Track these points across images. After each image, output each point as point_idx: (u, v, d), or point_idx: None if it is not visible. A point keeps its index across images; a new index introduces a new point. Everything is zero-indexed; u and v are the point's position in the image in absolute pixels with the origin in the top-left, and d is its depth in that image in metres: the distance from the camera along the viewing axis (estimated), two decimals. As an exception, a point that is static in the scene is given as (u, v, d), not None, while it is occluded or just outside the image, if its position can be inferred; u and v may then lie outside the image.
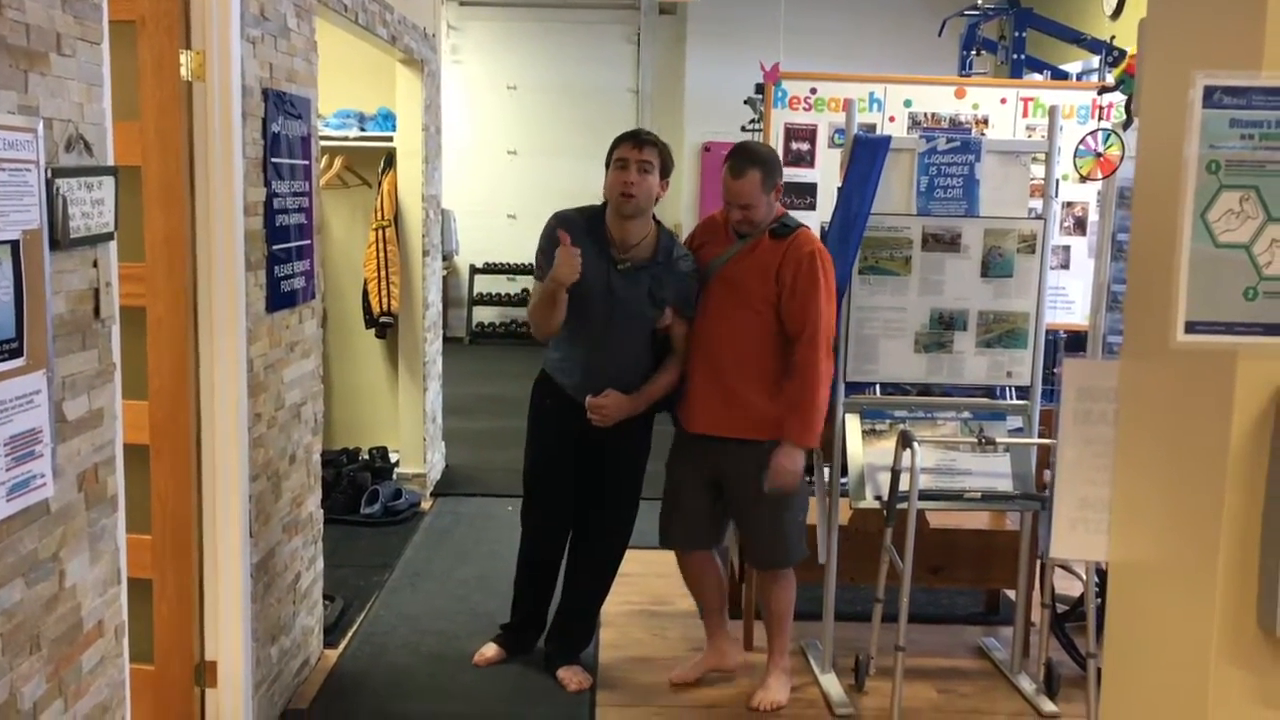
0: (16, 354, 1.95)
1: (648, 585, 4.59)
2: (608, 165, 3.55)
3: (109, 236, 2.29)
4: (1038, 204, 3.95)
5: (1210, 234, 1.35)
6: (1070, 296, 5.04)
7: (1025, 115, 5.00)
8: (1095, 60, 7.46)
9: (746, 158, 3.46)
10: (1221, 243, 1.35)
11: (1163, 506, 1.49)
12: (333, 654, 3.94)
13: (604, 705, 3.62)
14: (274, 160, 3.31)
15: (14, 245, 1.92)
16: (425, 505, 5.72)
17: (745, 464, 3.52)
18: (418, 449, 5.86)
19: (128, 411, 2.50)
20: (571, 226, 3.53)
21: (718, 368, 3.52)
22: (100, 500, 2.34)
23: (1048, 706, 3.66)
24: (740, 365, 3.50)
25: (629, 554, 3.88)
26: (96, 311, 2.27)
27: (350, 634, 4.11)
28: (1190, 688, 1.41)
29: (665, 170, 3.55)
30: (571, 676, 3.73)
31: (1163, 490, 1.49)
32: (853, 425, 3.75)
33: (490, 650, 3.89)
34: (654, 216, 3.63)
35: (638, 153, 3.49)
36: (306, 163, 3.62)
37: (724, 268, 3.54)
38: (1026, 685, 3.79)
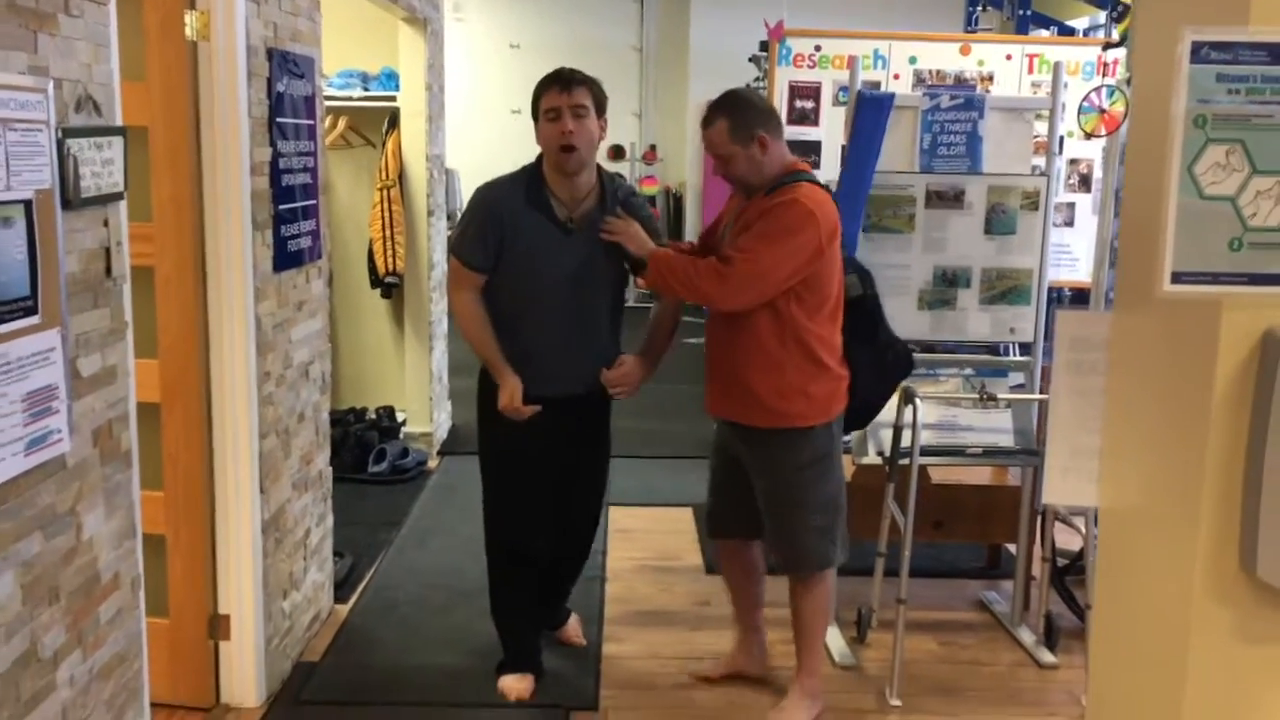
0: (31, 312, 1.99)
1: (654, 541, 4.65)
2: (535, 117, 3.16)
3: (119, 196, 2.33)
4: (1041, 161, 3.96)
5: (1197, 186, 1.38)
6: (1075, 254, 5.07)
7: (1030, 72, 5.01)
8: (1102, 15, 7.43)
9: (714, 104, 3.15)
10: (1208, 195, 1.38)
11: (1150, 452, 1.54)
12: (343, 609, 4.01)
13: (611, 657, 3.69)
14: (279, 120, 3.33)
15: (27, 204, 1.95)
16: (432, 464, 5.79)
17: (756, 454, 3.23)
18: (424, 408, 5.92)
19: (138, 370, 2.55)
20: (508, 200, 3.18)
21: (717, 347, 3.22)
22: (115, 456, 2.39)
23: (1047, 658, 3.72)
24: (736, 344, 3.13)
25: (636, 510, 3.92)
26: (108, 270, 2.31)
27: (360, 589, 4.18)
28: (1174, 625, 1.46)
29: (600, 108, 3.17)
30: (575, 630, 3.76)
31: (1150, 437, 1.54)
32: (855, 382, 3.77)
33: (525, 681, 3.45)
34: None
35: (568, 97, 3.10)
36: (311, 122, 3.64)
37: (728, 236, 3.21)
38: (1026, 637, 3.85)
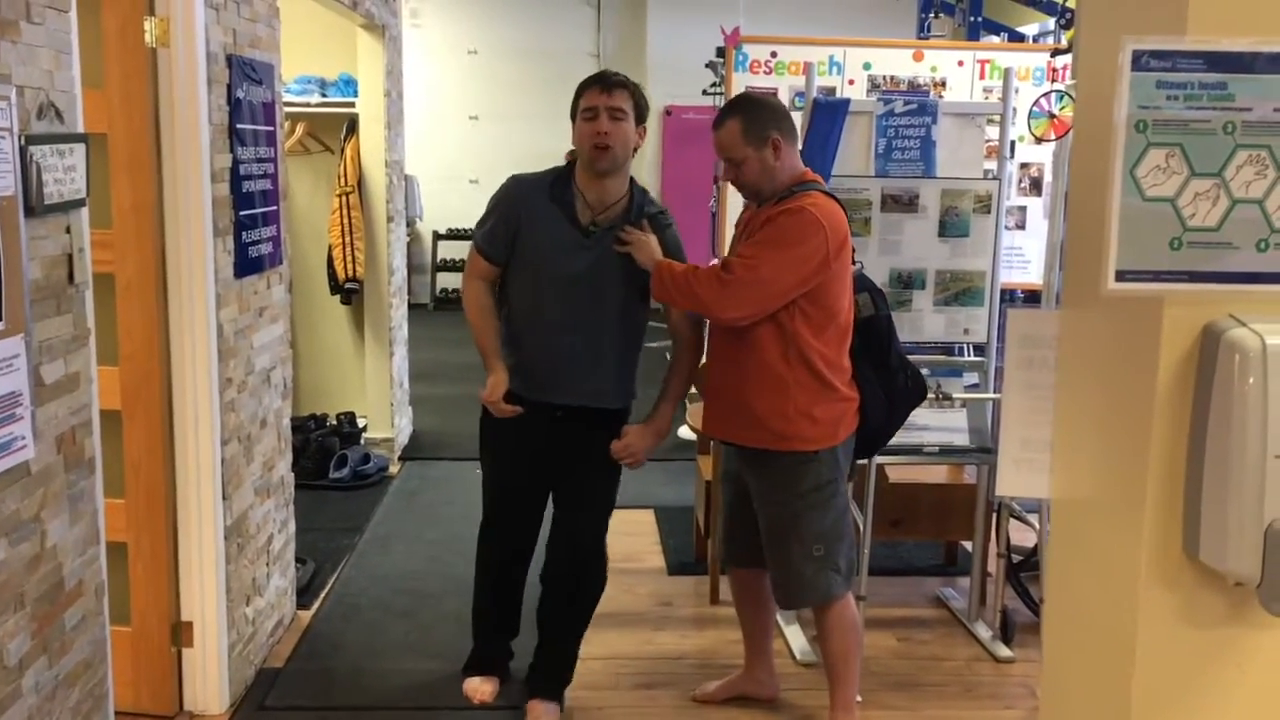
0: (-5, 318, 1.99)
1: (616, 543, 4.60)
2: (574, 117, 3.09)
3: (81, 203, 2.33)
4: (993, 165, 4.04)
5: (1139, 188, 1.44)
6: (1026, 256, 5.15)
7: (982, 77, 5.10)
8: (1051, 22, 7.56)
9: (727, 106, 3.08)
10: (1149, 196, 1.44)
11: (1098, 444, 1.60)
12: (306, 614, 4.00)
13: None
14: (239, 126, 3.33)
15: (-10, 211, 1.96)
16: (393, 469, 5.78)
17: (757, 477, 3.11)
18: (385, 414, 5.91)
19: (100, 377, 2.55)
20: (530, 193, 3.13)
21: (719, 365, 3.09)
22: (78, 463, 2.39)
23: (1003, 652, 3.79)
24: (739, 362, 2.99)
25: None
26: (71, 277, 2.31)
27: (323, 595, 4.17)
28: (1122, 610, 1.52)
29: (640, 115, 3.08)
30: (543, 712, 3.33)
31: (1097, 429, 1.60)
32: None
33: (489, 684, 3.47)
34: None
35: (607, 97, 3.02)
36: (271, 129, 3.64)
37: (734, 246, 3.11)
38: (983, 632, 3.92)
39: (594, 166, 3.05)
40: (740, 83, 4.94)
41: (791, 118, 3.11)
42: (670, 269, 3.00)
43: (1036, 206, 5.28)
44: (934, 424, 3.85)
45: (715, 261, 3.99)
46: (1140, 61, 1.40)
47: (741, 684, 3.46)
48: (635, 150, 3.10)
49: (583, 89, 3.09)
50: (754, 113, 2.99)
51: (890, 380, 3.15)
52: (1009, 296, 5.10)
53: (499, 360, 3.14)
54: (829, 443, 3.01)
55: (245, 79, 3.37)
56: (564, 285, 3.09)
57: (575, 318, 3.10)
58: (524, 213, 3.11)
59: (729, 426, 3.10)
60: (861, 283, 3.17)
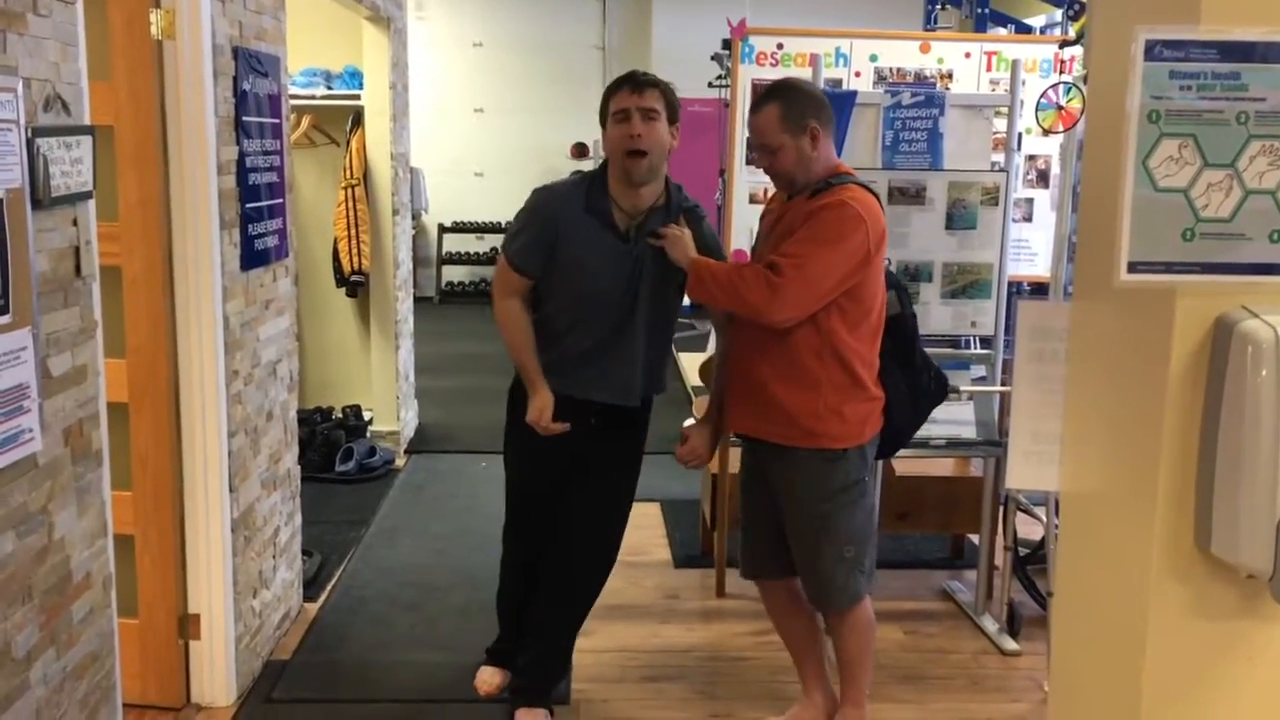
0: (3, 311, 1.99)
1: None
2: (603, 121, 2.98)
3: (88, 195, 2.33)
4: (1000, 157, 4.03)
5: (1151, 179, 1.43)
6: (1034, 249, 5.14)
7: (989, 69, 5.08)
8: (1059, 13, 7.54)
9: (766, 90, 2.93)
10: (1161, 187, 1.44)
11: (1108, 436, 1.59)
12: (312, 607, 4.00)
13: (581, 651, 3.70)
14: (245, 119, 3.32)
15: (-3, 203, 1.96)
16: (399, 462, 5.78)
17: (783, 474, 2.99)
18: (391, 407, 5.91)
19: (107, 370, 2.54)
20: (565, 205, 3.01)
21: (746, 360, 2.98)
22: (86, 455, 2.39)
23: (1010, 645, 3.78)
24: (769, 358, 2.90)
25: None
26: (78, 269, 2.31)
27: (329, 587, 4.18)
28: (1132, 603, 1.52)
29: (673, 115, 2.96)
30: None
31: (1108, 421, 1.59)
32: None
33: (497, 676, 3.45)
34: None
35: (638, 98, 2.90)
36: (277, 121, 3.64)
37: (768, 242, 3.00)
38: (990, 625, 3.92)
39: (630, 176, 2.94)
40: (746, 75, 4.93)
41: (830, 108, 3.02)
42: (710, 269, 2.91)
43: (1043, 199, 5.27)
44: (941, 417, 3.83)
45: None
46: (1153, 51, 1.39)
47: (803, 714, 3.26)
48: (670, 152, 2.98)
49: (611, 91, 2.98)
50: (794, 99, 2.88)
51: (915, 379, 3.09)
52: (1016, 289, 5.09)
53: (543, 379, 3.06)
54: (856, 441, 2.94)
55: (251, 71, 3.36)
56: (606, 294, 3.02)
57: (615, 320, 3.03)
58: (561, 226, 3.01)
59: (756, 422, 3.00)
60: (890, 280, 3.10)
